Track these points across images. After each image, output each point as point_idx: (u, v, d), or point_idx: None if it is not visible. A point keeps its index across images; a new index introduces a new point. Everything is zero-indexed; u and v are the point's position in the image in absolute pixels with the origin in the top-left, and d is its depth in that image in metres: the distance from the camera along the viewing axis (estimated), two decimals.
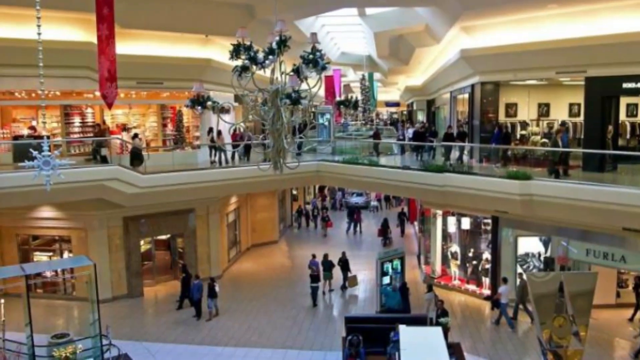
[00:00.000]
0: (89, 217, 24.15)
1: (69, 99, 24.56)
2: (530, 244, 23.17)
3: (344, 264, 26.79)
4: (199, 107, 10.10)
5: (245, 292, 26.30)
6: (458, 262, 26.18)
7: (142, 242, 26.51)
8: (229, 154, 24.25)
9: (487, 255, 24.61)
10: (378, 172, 23.85)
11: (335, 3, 22.83)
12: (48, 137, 9.83)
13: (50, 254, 26.01)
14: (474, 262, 25.51)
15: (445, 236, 27.28)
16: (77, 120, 25.26)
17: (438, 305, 20.02)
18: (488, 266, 24.36)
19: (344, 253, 27.33)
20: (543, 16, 20.26)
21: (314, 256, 25.90)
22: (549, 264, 22.53)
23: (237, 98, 20.76)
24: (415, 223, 36.77)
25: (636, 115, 23.97)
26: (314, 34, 9.72)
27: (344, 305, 25.12)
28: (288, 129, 9.97)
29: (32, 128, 23.29)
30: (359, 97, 44.24)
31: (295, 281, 27.64)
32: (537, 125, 25.56)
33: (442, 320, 19.00)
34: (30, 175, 9.41)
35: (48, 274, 24.68)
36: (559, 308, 13.75)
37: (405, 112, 67.59)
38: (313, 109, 23.97)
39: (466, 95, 27.54)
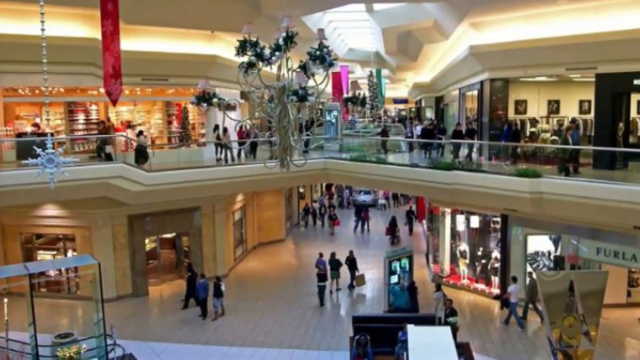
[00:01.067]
0: (93, 215, 24.02)
1: (73, 95, 24.45)
2: (540, 243, 22.95)
3: (352, 262, 26.59)
4: (205, 104, 10.05)
5: (251, 291, 26.17)
6: (467, 260, 25.98)
7: (147, 241, 26.36)
8: (235, 152, 24.24)
9: (496, 253, 24.41)
10: (386, 169, 23.70)
11: None
12: (52, 135, 9.82)
13: (54, 252, 25.85)
14: (483, 261, 25.31)
15: (454, 235, 27.09)
16: (81, 117, 25.12)
17: (447, 305, 19.89)
18: (497, 265, 24.18)
19: (351, 252, 27.11)
20: (553, 12, 20.16)
21: (321, 255, 25.71)
22: (559, 262, 22.32)
23: (244, 95, 20.66)
24: (424, 221, 36.60)
25: None
26: (321, 30, 9.65)
27: (352, 304, 24.96)
28: (295, 126, 9.96)
29: (36, 125, 23.18)
30: (367, 94, 44.28)
31: (302, 280, 27.50)
32: (547, 122, 25.47)
33: (450, 319, 18.89)
34: (33, 173, 9.58)
35: (52, 273, 24.62)
36: (569, 307, 13.72)
37: (413, 109, 67.53)
38: (320, 106, 23.84)
39: (475, 92, 27.44)
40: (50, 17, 10.17)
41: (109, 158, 21.89)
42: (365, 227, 39.51)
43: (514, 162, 21.17)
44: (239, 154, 24.49)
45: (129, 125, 26.31)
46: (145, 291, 25.59)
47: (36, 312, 16.11)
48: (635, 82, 19.57)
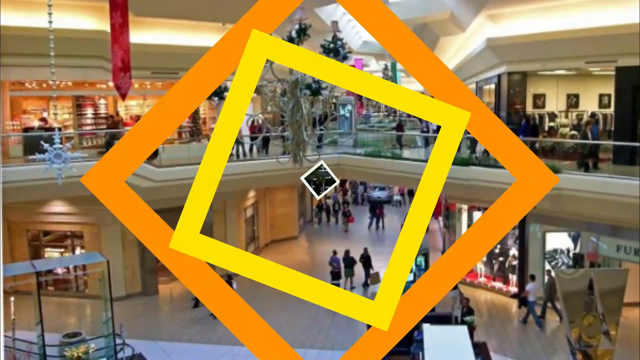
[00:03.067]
0: (101, 211, 23.49)
1: (81, 89, 24.55)
2: (558, 240, 22.86)
3: (366, 260, 26.36)
4: (216, 98, 10.02)
5: (263, 289, 25.47)
6: (484, 258, 25.53)
7: None
8: (247, 147, 24.09)
9: (514, 251, 24.26)
10: (401, 165, 23.63)
11: None
12: (59, 129, 9.89)
13: (62, 250, 25.77)
14: (501, 259, 25.11)
15: None
16: (89, 111, 25.23)
17: (463, 304, 19.71)
18: (515, 263, 24.05)
19: (366, 249, 26.89)
20: (572, 3, 19.83)
21: (335, 252, 25.63)
22: (578, 260, 22.22)
23: (255, 89, 20.36)
24: (440, 218, 36.36)
25: None
26: (334, 22, 9.69)
27: None
28: (308, 121, 9.82)
29: (43, 120, 23.23)
30: None
31: (316, 278, 27.08)
32: (566, 116, 25.14)
33: (467, 318, 18.71)
34: (41, 168, 9.58)
35: (59, 270, 24.37)
36: (589, 306, 13.69)
37: None
38: (334, 100, 23.67)
39: (492, 86, 27.30)
40: (58, 9, 10.31)
41: None
42: (380, 224, 39.31)
43: None
44: (250, 149, 24.35)
45: (138, 119, 26.05)
46: (155, 290, 25.46)
47: (43, 311, 16.06)
48: None
